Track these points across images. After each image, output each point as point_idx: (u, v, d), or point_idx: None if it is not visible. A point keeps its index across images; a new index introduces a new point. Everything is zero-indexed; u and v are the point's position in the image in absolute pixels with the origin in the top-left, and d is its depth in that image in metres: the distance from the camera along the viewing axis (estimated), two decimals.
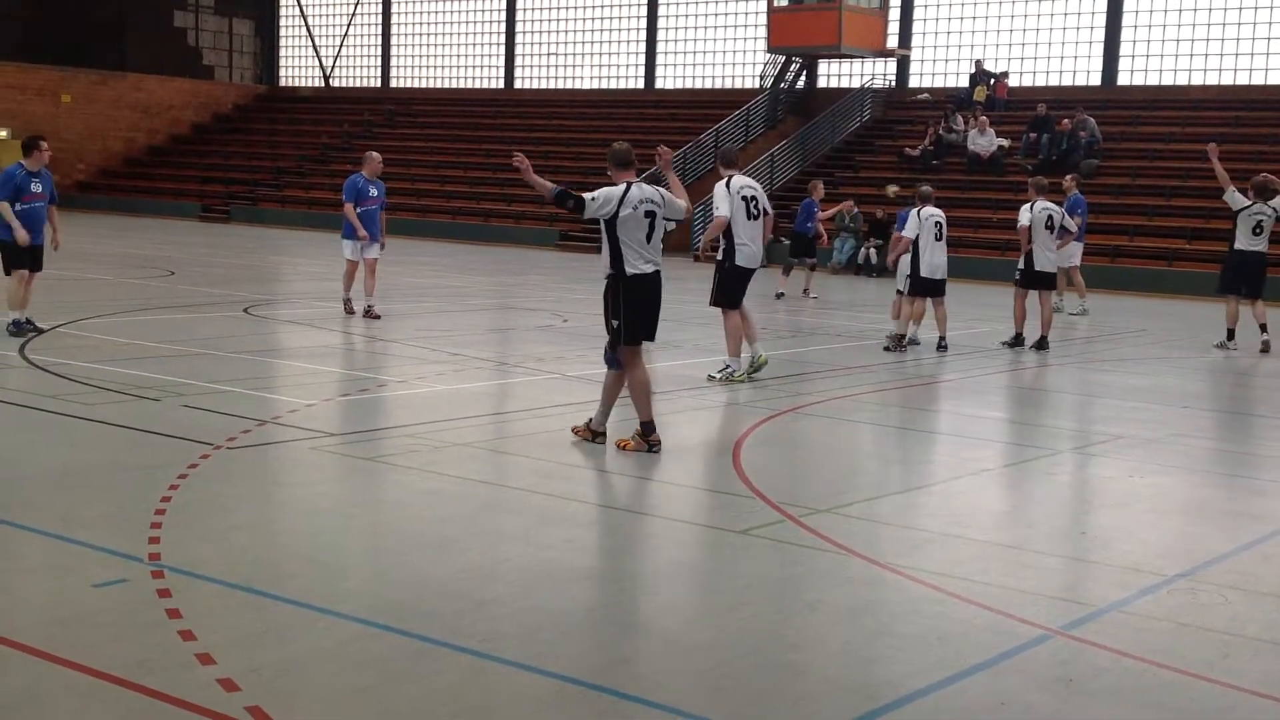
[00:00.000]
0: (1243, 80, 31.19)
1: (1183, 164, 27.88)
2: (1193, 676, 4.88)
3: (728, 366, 11.61)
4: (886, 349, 14.13)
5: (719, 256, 11.73)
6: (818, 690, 4.67)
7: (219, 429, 8.56)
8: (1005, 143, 30.47)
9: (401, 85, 46.17)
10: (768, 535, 6.63)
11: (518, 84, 43.55)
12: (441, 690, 4.51)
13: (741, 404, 10.70)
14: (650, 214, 8.46)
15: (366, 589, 5.60)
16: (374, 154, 16.03)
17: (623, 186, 8.42)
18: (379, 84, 46.78)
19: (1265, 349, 15.23)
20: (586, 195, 8.35)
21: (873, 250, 27.81)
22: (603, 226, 8.44)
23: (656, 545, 6.60)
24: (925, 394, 12.16)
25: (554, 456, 8.27)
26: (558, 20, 42.66)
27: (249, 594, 5.41)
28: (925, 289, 14.33)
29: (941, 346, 14.35)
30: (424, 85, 45.64)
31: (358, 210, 15.40)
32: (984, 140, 30.42)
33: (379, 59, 46.91)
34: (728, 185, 11.54)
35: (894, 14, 35.27)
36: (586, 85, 41.88)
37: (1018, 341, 14.93)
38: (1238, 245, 15.40)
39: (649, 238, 8.48)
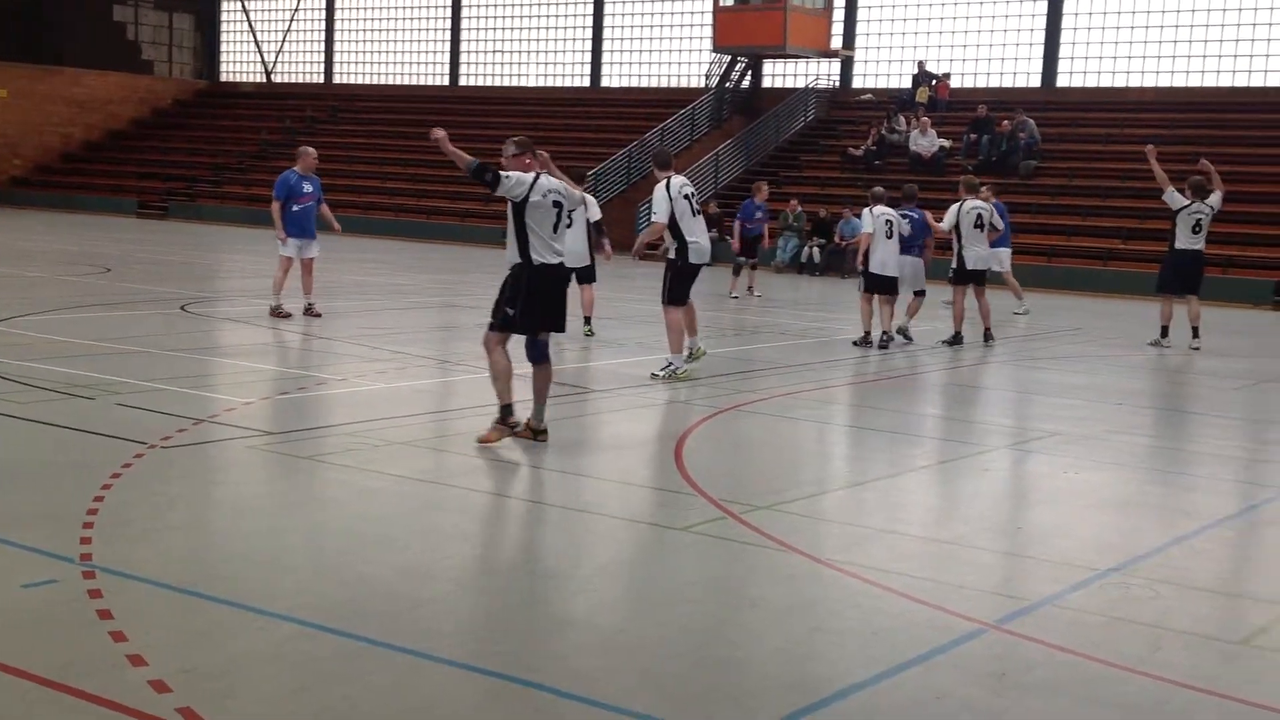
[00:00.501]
0: (1179, 83, 31.66)
1: (1120, 165, 28.26)
2: (1124, 670, 4.95)
3: (670, 364, 11.64)
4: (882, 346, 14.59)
5: (671, 255, 11.80)
6: (756, 686, 4.69)
7: (154, 428, 8.46)
8: (947, 143, 30.74)
9: (345, 81, 45.84)
10: (708, 532, 6.65)
11: (463, 81, 43.37)
12: (378, 690, 4.48)
13: (683, 401, 10.72)
14: (557, 204, 8.56)
15: (303, 589, 5.55)
16: (309, 149, 15.67)
17: (532, 175, 8.49)
18: (322, 80, 46.41)
19: (1195, 348, 15.48)
20: (502, 172, 8.43)
21: (815, 249, 27.96)
22: (511, 215, 8.48)
23: (597, 542, 6.59)
24: (866, 391, 12.24)
25: (495, 454, 8.24)
26: (503, 17, 42.54)
27: (183, 595, 5.35)
28: (876, 286, 14.53)
29: (884, 345, 14.52)
30: (367, 81, 45.34)
31: (294, 208, 15.02)
32: (926, 141, 30.67)
33: (322, 55, 46.54)
34: (667, 187, 11.61)
35: (838, 15, 35.48)
36: (532, 83, 41.79)
37: (957, 340, 15.08)
38: (1177, 244, 15.63)
39: (555, 228, 8.56)
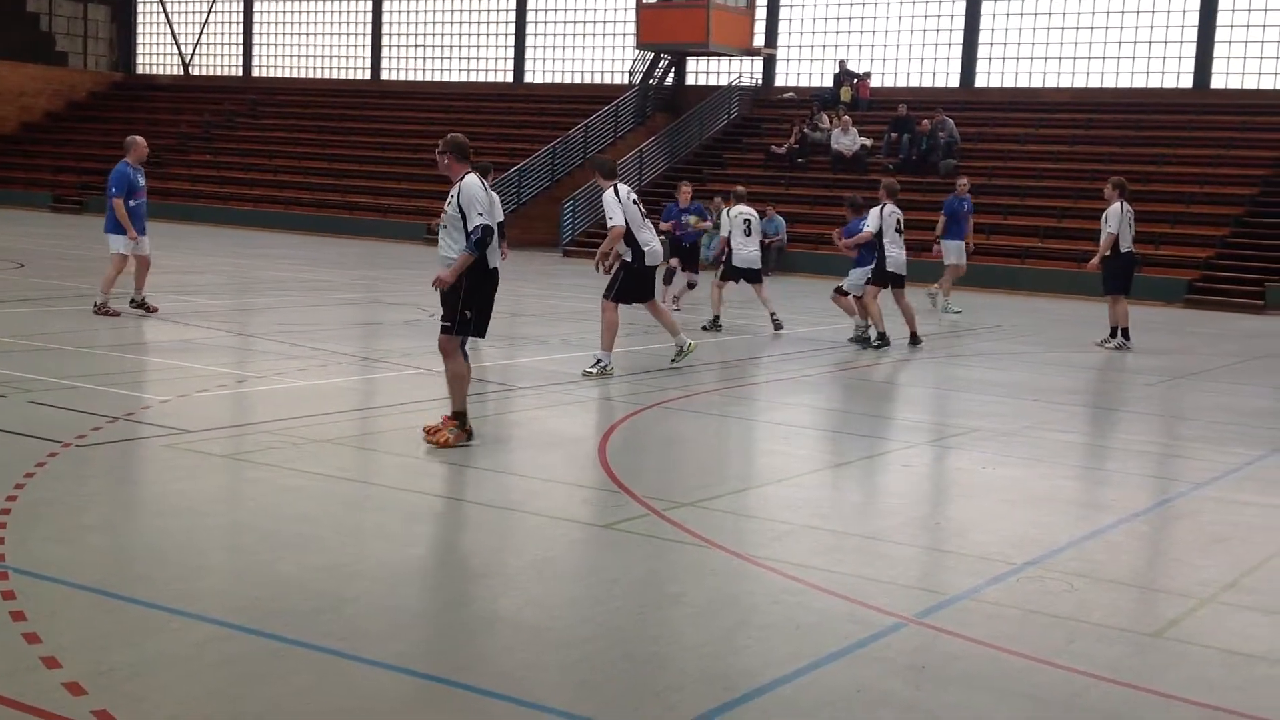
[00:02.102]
0: (1094, 84, 32.23)
1: (1037, 164, 28.71)
2: (1040, 662, 5.03)
3: (600, 361, 11.68)
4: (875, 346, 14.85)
5: (627, 258, 11.98)
6: (679, 682, 4.71)
7: (68, 426, 8.30)
8: (868, 142, 31.03)
9: (264, 75, 45.25)
10: (633, 529, 6.66)
11: (385, 75, 43.01)
12: (298, 691, 4.44)
13: (608, 399, 10.73)
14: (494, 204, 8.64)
15: (223, 589, 5.49)
16: (139, 138, 14.69)
17: (472, 177, 8.35)
18: (240, 73, 45.78)
19: (1122, 347, 15.80)
20: (475, 219, 8.19)
21: None
22: (463, 222, 8.33)
23: (521, 541, 6.58)
24: (790, 389, 12.33)
25: (418, 453, 8.20)
26: (425, 11, 42.25)
27: (99, 596, 5.26)
28: (736, 276, 16.43)
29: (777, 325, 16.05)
30: (288, 75, 44.79)
31: (131, 203, 14.21)
32: (847, 139, 30.95)
33: (240, 48, 45.91)
34: (617, 194, 11.80)
35: (760, 13, 35.68)
36: (455, 79, 41.55)
37: (883, 340, 15.10)
38: (1123, 247, 16.00)
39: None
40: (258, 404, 9.90)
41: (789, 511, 7.32)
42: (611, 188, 11.85)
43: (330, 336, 13.71)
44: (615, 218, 11.72)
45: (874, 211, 15.14)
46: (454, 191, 8.34)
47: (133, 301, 14.18)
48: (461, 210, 8.26)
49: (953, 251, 20.64)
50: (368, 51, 43.30)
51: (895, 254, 15.08)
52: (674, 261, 19.10)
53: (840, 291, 15.69)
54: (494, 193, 8.65)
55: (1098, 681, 4.87)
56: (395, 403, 10.07)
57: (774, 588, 5.84)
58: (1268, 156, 27.81)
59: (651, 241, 12.02)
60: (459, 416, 8.44)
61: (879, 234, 15.09)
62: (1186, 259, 25.36)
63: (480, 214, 8.22)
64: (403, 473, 7.70)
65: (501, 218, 8.63)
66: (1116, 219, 15.85)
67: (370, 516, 6.79)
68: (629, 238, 11.83)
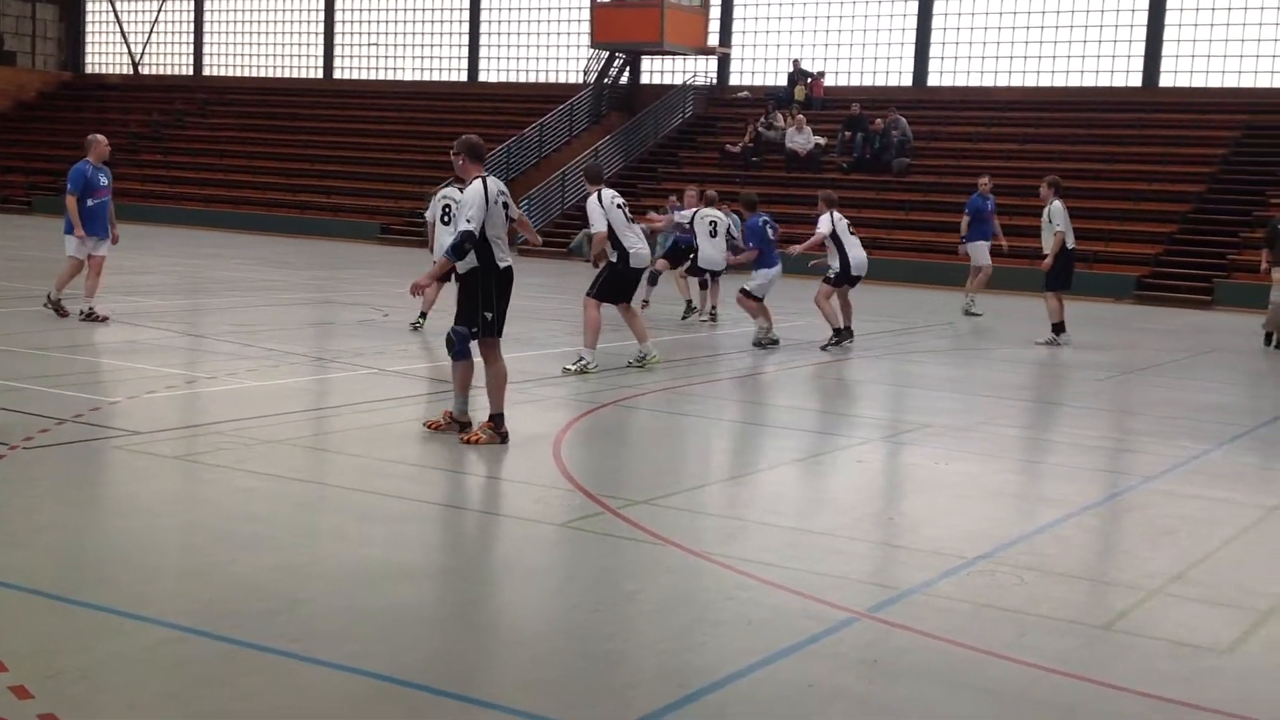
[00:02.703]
0: (1045, 82, 32.52)
1: (988, 163, 28.87)
2: (992, 655, 5.08)
3: (582, 359, 11.86)
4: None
5: (613, 259, 12.13)
6: (634, 679, 4.72)
7: (16, 428, 8.21)
8: (822, 141, 31.17)
9: (215, 74, 44.85)
10: (587, 528, 6.67)
11: (337, 74, 42.74)
12: (251, 693, 4.42)
13: (563, 398, 10.73)
14: (505, 205, 8.55)
15: (175, 591, 5.45)
16: (99, 136, 14.50)
17: (479, 183, 8.40)
18: (191, 72, 45.36)
19: (1053, 342, 15.97)
20: (464, 223, 8.25)
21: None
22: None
23: (475, 540, 6.57)
24: (744, 387, 12.38)
25: (372, 453, 8.16)
26: (379, 9, 42.01)
27: (49, 599, 5.21)
28: (700, 274, 17.12)
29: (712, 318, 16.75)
30: (239, 74, 44.42)
31: (89, 203, 13.94)
32: (801, 138, 31.07)
33: (191, 46, 45.49)
34: (600, 199, 11.97)
35: (715, 12, 35.76)
36: (409, 77, 41.36)
37: (839, 336, 14.91)
38: (1069, 244, 16.14)
39: (506, 229, 8.65)
40: (209, 405, 9.83)
41: (743, 508, 7.35)
42: (596, 193, 12.04)
43: (282, 337, 13.62)
44: (597, 224, 11.93)
45: (825, 216, 15.05)
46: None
47: (81, 313, 13.82)
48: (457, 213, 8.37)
49: (979, 252, 20.01)
50: (320, 50, 43.02)
51: (858, 255, 15.02)
52: (661, 264, 18.63)
53: (746, 293, 15.09)
54: (506, 193, 8.65)
55: (1048, 674, 4.92)
56: (348, 403, 10.03)
57: (728, 584, 5.86)
58: (1215, 154, 28.17)
59: (637, 244, 12.14)
60: (497, 419, 8.51)
61: (836, 237, 14.98)
62: (1136, 255, 25.64)
63: (469, 220, 8.24)
64: (357, 473, 7.67)
65: (517, 214, 8.65)
66: (1062, 217, 15.99)
67: (324, 517, 6.76)
68: (614, 240, 12.00)
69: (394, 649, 4.91)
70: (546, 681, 4.67)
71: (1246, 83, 30.23)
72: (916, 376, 13.33)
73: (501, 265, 8.50)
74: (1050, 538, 6.94)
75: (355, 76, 42.38)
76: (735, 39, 36.32)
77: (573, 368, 11.78)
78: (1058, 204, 16.01)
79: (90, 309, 13.80)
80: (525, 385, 11.13)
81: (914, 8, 33.72)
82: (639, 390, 11.18)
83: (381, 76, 41.86)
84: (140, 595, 5.31)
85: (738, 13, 36.20)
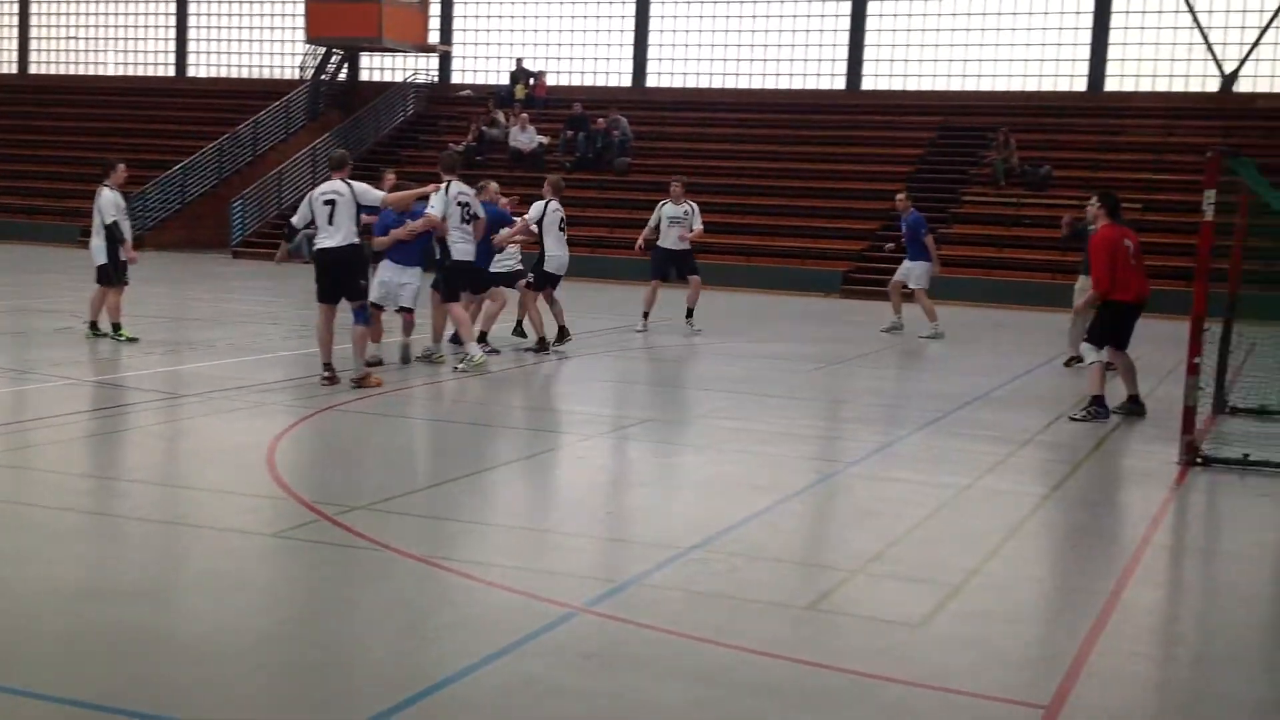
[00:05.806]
0: (756, 85, 33.63)
1: (705, 162, 29.67)
2: (703, 641, 5.23)
3: (468, 355, 12.28)
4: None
5: (438, 255, 12.51)
6: (350, 687, 4.65)
7: None
8: (545, 139, 31.34)
9: None
10: (301, 536, 6.51)
11: (33, 69, 40.30)
12: None
13: (277, 404, 10.44)
14: (329, 202, 10.72)
15: None
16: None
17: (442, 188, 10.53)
18: None
19: (644, 330, 16.72)
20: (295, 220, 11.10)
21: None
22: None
23: (183, 555, 6.32)
24: (466, 387, 12.32)
25: (68, 468, 7.75)
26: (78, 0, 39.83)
27: None
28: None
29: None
30: None
31: None
32: (525, 137, 31.16)
33: None
34: (446, 190, 12.15)
35: (435, 9, 35.45)
36: (112, 71, 39.37)
37: (562, 337, 14.74)
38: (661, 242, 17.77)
39: (329, 219, 10.77)
40: None
41: (461, 510, 7.33)
42: (447, 183, 12.21)
43: None
44: (435, 207, 12.04)
45: (537, 204, 14.54)
46: None
47: None
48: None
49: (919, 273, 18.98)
50: (14, 43, 40.44)
51: (558, 254, 14.60)
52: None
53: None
54: (345, 187, 10.80)
55: (756, 656, 5.10)
56: (43, 416, 9.48)
57: (448, 586, 5.83)
58: (912, 154, 29.70)
59: (459, 243, 12.34)
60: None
61: (540, 233, 14.60)
62: (841, 251, 26.76)
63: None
64: (53, 491, 7.25)
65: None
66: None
67: (9, 538, 6.36)
68: (444, 241, 12.30)
69: (90, 673, 4.68)
70: (254, 696, 4.54)
71: (941, 85, 32.04)
72: (637, 373, 13.57)
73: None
74: (761, 524, 7.19)
75: (53, 71, 40.06)
76: (456, 37, 36.13)
77: (461, 366, 12.23)
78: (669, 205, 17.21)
79: None
80: (237, 393, 10.79)
81: (632, 9, 34.31)
82: (356, 395, 10.98)
83: (81, 71, 39.70)
84: None
85: (458, 10, 36.02)
